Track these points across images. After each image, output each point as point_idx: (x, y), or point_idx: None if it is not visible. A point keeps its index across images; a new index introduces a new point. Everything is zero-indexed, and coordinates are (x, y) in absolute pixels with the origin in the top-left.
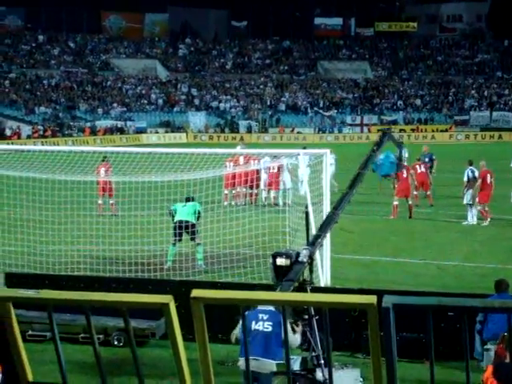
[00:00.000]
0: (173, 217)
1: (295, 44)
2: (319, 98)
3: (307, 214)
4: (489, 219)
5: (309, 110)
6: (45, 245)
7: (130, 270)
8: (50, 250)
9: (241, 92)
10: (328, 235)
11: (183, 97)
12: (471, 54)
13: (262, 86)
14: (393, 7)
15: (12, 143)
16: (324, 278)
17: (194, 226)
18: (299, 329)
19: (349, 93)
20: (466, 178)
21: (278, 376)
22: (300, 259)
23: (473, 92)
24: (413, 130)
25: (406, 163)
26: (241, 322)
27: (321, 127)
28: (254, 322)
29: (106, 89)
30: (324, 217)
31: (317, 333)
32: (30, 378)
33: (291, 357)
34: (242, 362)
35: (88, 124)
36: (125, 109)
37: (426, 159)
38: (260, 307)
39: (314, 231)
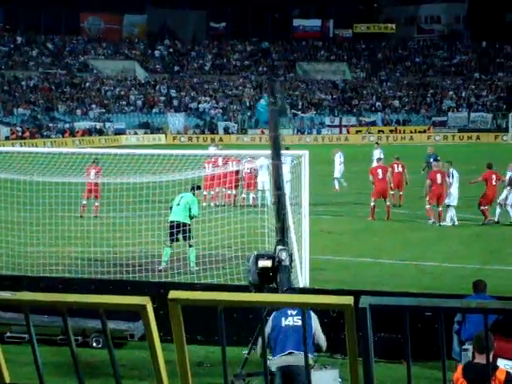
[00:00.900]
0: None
1: (274, 45)
2: (298, 99)
3: (285, 214)
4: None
5: (288, 111)
6: (23, 246)
7: (109, 271)
8: (28, 251)
9: (220, 93)
10: (307, 236)
11: (162, 98)
12: (449, 55)
13: (240, 87)
14: (371, 9)
15: None
16: (303, 279)
17: (189, 229)
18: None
19: (327, 94)
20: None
21: (254, 377)
22: (284, 263)
23: (451, 93)
24: (391, 131)
25: (382, 163)
26: (269, 322)
27: (299, 128)
28: (283, 319)
29: (84, 90)
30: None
31: None
32: (8, 379)
33: (270, 358)
34: (277, 361)
35: (67, 125)
36: (103, 110)
37: (431, 160)
38: None
39: (292, 232)
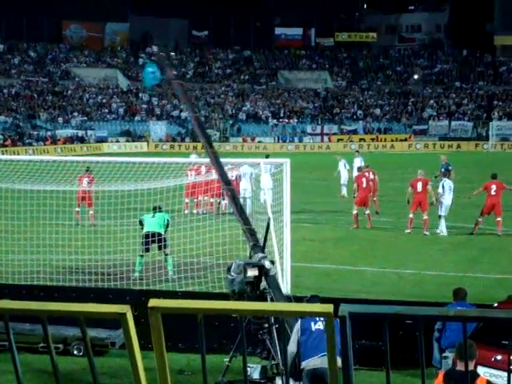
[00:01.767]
0: (142, 228)
1: (256, 54)
2: (280, 107)
3: (269, 223)
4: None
5: (270, 120)
6: (4, 254)
7: (90, 279)
8: (10, 259)
9: (201, 101)
10: (289, 243)
11: (144, 106)
12: (430, 63)
13: (222, 96)
14: (353, 18)
15: None
16: (284, 286)
17: (163, 238)
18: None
19: (309, 102)
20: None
21: None
22: (271, 273)
23: (432, 102)
24: (372, 140)
25: (364, 171)
26: (296, 328)
27: (281, 136)
28: (313, 324)
29: (66, 98)
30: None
31: (277, 341)
32: None
33: (250, 365)
34: (308, 363)
35: (48, 133)
36: (85, 118)
37: (443, 170)
38: None
39: (274, 241)
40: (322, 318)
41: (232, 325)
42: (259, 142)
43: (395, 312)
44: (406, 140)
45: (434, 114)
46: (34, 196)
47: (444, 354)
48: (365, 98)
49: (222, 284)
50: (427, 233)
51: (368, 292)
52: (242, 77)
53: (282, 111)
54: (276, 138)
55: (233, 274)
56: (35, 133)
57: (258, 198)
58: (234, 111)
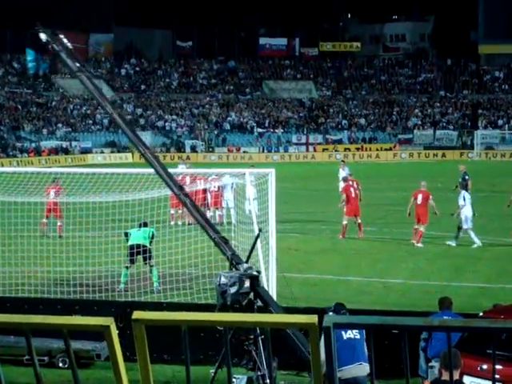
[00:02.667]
0: (127, 240)
1: (240, 64)
2: (265, 117)
3: (258, 234)
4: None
5: (255, 130)
6: None
7: (75, 291)
8: None
9: (186, 112)
10: (274, 253)
11: (129, 116)
12: (414, 73)
13: (207, 106)
14: (337, 27)
15: None
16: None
17: (148, 249)
18: None
19: (294, 112)
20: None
21: None
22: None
23: (416, 111)
24: (357, 149)
25: (350, 181)
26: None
27: (266, 146)
28: (343, 333)
29: (50, 109)
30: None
31: (262, 352)
32: None
33: (236, 376)
34: (345, 372)
35: (33, 145)
36: (70, 129)
37: (460, 179)
38: None
39: (259, 251)
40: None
41: (218, 335)
42: (244, 152)
43: (381, 323)
44: (391, 149)
45: (419, 123)
46: (18, 208)
47: (430, 364)
48: (349, 107)
49: (208, 295)
50: (420, 245)
51: (354, 302)
52: (226, 87)
53: (267, 121)
54: (261, 148)
55: (224, 286)
56: (19, 144)
57: (243, 209)
58: (219, 121)
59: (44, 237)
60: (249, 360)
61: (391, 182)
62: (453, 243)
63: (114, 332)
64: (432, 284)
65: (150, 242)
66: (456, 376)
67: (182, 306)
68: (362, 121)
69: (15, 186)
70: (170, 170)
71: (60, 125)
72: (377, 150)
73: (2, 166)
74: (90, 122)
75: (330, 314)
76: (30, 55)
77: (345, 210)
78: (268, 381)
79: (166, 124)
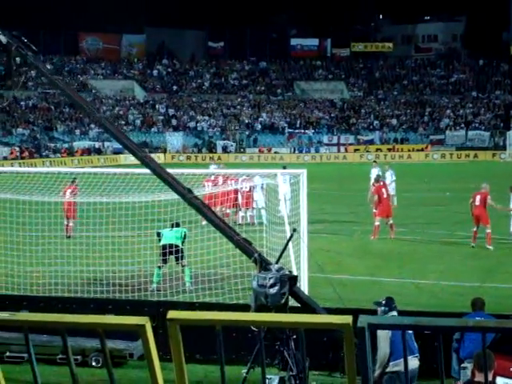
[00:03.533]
0: (159, 240)
1: (272, 65)
2: (296, 118)
3: (293, 235)
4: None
5: (286, 130)
6: (22, 266)
7: (108, 290)
8: (28, 271)
9: (218, 112)
10: (306, 254)
11: (161, 117)
12: (447, 73)
13: (239, 107)
14: (368, 28)
15: None
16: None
17: (180, 249)
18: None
19: (325, 113)
20: None
21: None
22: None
23: (448, 112)
24: (389, 150)
25: (382, 182)
26: (387, 333)
27: (298, 147)
28: None
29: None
30: (303, 236)
31: (294, 352)
32: None
33: (269, 376)
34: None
35: (65, 145)
36: (102, 130)
37: None
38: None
39: (291, 251)
40: None
41: (250, 335)
42: (275, 152)
43: (415, 323)
44: (422, 150)
45: (451, 123)
46: (52, 208)
47: (463, 365)
48: (381, 108)
49: (240, 295)
50: (490, 247)
51: None
52: (258, 88)
53: (298, 122)
54: (292, 149)
55: (263, 287)
56: (52, 145)
57: (274, 209)
58: (250, 122)
59: (70, 237)
60: (280, 360)
61: (423, 182)
62: None
63: (150, 331)
64: (464, 285)
65: (183, 242)
66: (489, 377)
67: (214, 305)
68: (394, 121)
69: (48, 186)
70: (204, 171)
71: (93, 125)
72: (408, 150)
73: (36, 166)
74: (123, 122)
75: (379, 309)
76: None
77: (376, 210)
78: (299, 382)
79: (198, 125)
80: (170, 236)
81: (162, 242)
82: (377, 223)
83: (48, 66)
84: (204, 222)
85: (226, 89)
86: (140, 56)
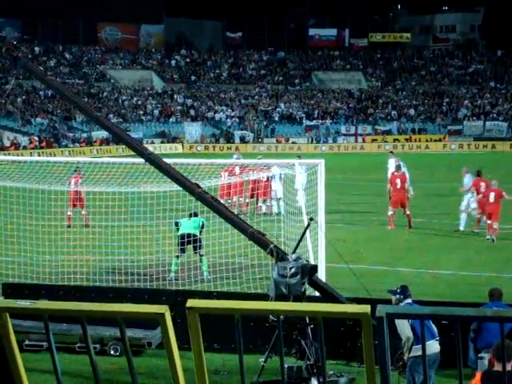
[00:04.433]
0: (177, 230)
1: (290, 55)
2: (314, 108)
3: (309, 224)
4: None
5: (304, 120)
6: (41, 255)
7: (127, 279)
8: (47, 259)
9: (236, 102)
10: (323, 244)
11: (179, 107)
12: (465, 64)
13: (257, 97)
14: (386, 18)
15: (10, 154)
16: None
17: (198, 239)
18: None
19: (343, 103)
20: None
21: None
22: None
23: (466, 102)
24: (407, 140)
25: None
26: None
27: (315, 137)
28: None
29: (102, 100)
30: (320, 226)
31: (311, 341)
32: None
33: (286, 365)
34: (433, 346)
35: (84, 135)
36: (121, 119)
37: None
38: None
39: (309, 241)
40: None
41: (267, 325)
42: (293, 142)
43: (433, 313)
44: (440, 140)
45: (469, 114)
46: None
47: (480, 355)
48: (399, 98)
49: (257, 284)
50: (490, 237)
51: None
52: (275, 78)
53: (316, 112)
54: (310, 139)
55: (284, 277)
56: (71, 134)
57: (292, 199)
58: (268, 112)
59: (70, 227)
60: (298, 349)
61: (441, 173)
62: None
63: (169, 320)
64: (481, 275)
65: (200, 232)
66: (509, 367)
67: (232, 295)
68: (412, 111)
69: (68, 175)
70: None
71: (111, 115)
72: (426, 141)
73: (54, 155)
74: (141, 112)
75: (394, 297)
76: None
77: (390, 200)
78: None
79: (216, 115)
80: (188, 226)
81: (180, 232)
82: (390, 213)
83: (67, 56)
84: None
85: (243, 79)
86: (158, 46)
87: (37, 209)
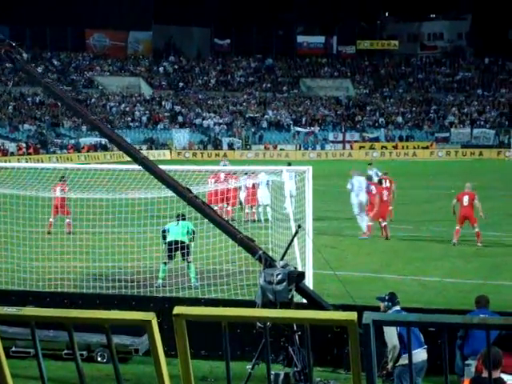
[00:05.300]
0: (164, 237)
1: (278, 62)
2: (302, 115)
3: (297, 231)
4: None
5: (291, 127)
6: (28, 261)
7: (114, 286)
8: (34, 266)
9: (224, 109)
10: (310, 251)
11: (167, 114)
12: (452, 71)
13: (245, 104)
14: (374, 26)
15: None
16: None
17: (186, 246)
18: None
19: (331, 110)
20: None
21: None
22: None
23: (454, 109)
24: (394, 147)
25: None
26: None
27: (303, 144)
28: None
29: (90, 106)
30: (308, 232)
31: (299, 348)
32: None
33: (273, 372)
34: (421, 355)
35: (72, 141)
36: (109, 126)
37: None
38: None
39: (296, 248)
40: None
41: (254, 332)
42: (281, 149)
43: (419, 320)
44: (427, 148)
45: (456, 121)
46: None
47: (467, 362)
48: (386, 105)
49: (245, 291)
50: (480, 244)
51: None
52: (264, 85)
53: (304, 119)
54: (298, 146)
55: (270, 283)
56: (59, 141)
57: (280, 206)
58: (256, 119)
59: (50, 233)
60: (285, 356)
61: (428, 180)
62: None
63: (156, 327)
64: (468, 283)
65: (192, 238)
66: (497, 374)
67: (219, 301)
68: (399, 119)
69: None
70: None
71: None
72: (414, 148)
73: (42, 162)
74: (129, 119)
75: (382, 304)
76: None
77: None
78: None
79: (204, 122)
80: (176, 232)
81: (168, 239)
82: (370, 223)
83: (55, 62)
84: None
85: (232, 86)
86: (146, 53)
87: (24, 215)
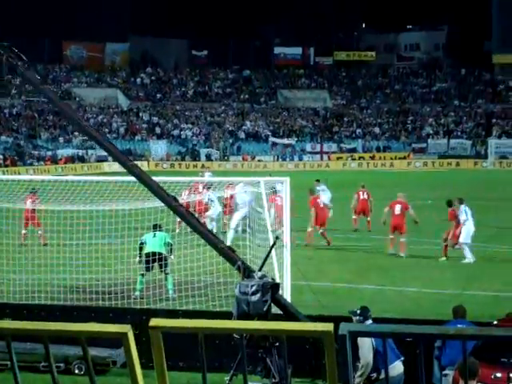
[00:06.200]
0: (141, 249)
1: (255, 73)
2: (279, 126)
3: (275, 242)
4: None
5: (269, 139)
6: (5, 273)
7: (91, 298)
8: (11, 278)
9: (202, 120)
10: (288, 262)
11: (144, 125)
12: (429, 82)
13: (222, 115)
14: (351, 37)
15: None
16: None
17: (164, 257)
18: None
19: (308, 121)
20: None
21: None
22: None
23: (430, 120)
24: (371, 158)
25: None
26: (370, 342)
27: (281, 155)
28: None
29: (67, 118)
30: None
31: (276, 360)
32: None
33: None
34: (397, 368)
35: (49, 153)
36: (86, 137)
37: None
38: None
39: (274, 259)
40: None
41: (232, 343)
42: (259, 160)
43: (395, 330)
44: (405, 158)
45: (433, 132)
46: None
47: (444, 372)
48: (364, 116)
49: (223, 302)
50: (403, 254)
51: None
52: (241, 96)
53: (282, 130)
54: (276, 157)
55: (245, 294)
56: (36, 152)
57: (258, 217)
58: (233, 130)
59: (22, 246)
60: (263, 368)
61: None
62: (469, 259)
63: (132, 339)
64: (445, 293)
65: (170, 250)
66: None
67: (197, 313)
68: (377, 130)
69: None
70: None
71: (76, 133)
72: (391, 158)
73: (19, 173)
74: (107, 130)
75: (354, 319)
76: None
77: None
78: None
79: (182, 133)
80: (153, 243)
81: (145, 250)
82: (310, 229)
83: None
84: (177, 230)
85: (209, 97)
86: (123, 64)
87: (1, 227)
